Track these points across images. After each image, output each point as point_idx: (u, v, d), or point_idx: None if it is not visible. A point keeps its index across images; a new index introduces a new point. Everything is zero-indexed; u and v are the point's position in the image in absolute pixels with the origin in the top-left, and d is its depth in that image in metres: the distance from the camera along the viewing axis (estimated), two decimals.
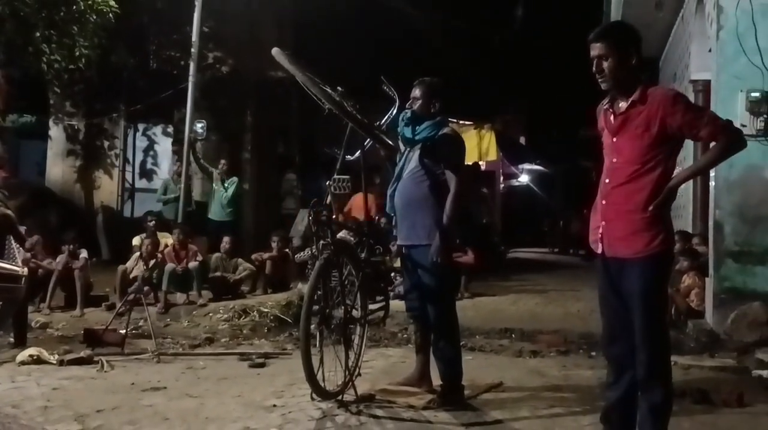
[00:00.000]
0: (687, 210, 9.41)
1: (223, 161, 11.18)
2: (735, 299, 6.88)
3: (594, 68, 3.44)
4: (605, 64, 3.40)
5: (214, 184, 10.97)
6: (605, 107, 3.54)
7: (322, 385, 4.32)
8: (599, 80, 3.46)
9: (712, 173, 7.34)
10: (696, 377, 5.45)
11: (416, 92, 4.68)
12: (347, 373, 4.52)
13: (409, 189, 4.62)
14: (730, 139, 3.32)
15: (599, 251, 3.54)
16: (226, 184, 10.86)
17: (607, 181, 3.51)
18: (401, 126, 4.67)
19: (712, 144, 3.38)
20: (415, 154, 4.63)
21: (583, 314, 8.07)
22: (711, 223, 7.43)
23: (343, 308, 4.49)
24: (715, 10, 7.29)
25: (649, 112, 3.35)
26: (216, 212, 10.89)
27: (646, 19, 10.01)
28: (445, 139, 4.60)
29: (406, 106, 4.69)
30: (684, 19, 9.86)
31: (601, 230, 3.51)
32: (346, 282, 4.59)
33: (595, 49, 3.42)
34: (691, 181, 9.16)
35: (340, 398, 4.43)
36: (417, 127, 4.61)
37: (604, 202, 3.52)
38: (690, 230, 8.90)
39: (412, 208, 4.60)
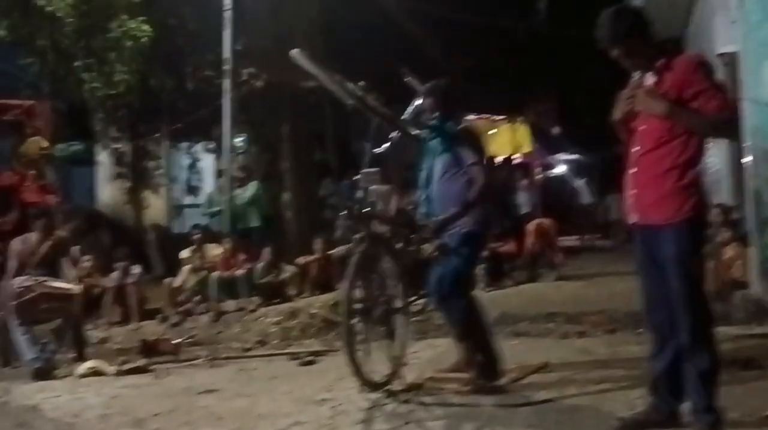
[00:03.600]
0: (724, 184, 9.32)
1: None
2: None
3: (622, 64, 3.51)
4: (630, 59, 3.47)
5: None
6: (636, 79, 3.58)
7: (369, 377, 4.39)
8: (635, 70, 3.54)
9: (747, 141, 7.31)
10: (745, 345, 5.40)
11: (426, 102, 4.77)
12: (394, 363, 4.62)
13: (443, 191, 4.68)
14: (729, 122, 3.40)
15: (633, 219, 3.56)
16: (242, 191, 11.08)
17: (637, 148, 3.52)
18: (426, 139, 4.80)
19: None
20: (442, 158, 4.71)
21: (627, 293, 8.00)
22: (750, 193, 7.38)
23: (384, 299, 4.62)
24: None
25: (673, 78, 3.38)
26: (244, 220, 11.10)
27: None
28: (460, 136, 4.69)
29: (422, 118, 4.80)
30: None
31: (633, 199, 3.53)
32: (385, 274, 4.72)
33: (611, 53, 3.47)
34: (725, 153, 9.10)
35: (388, 388, 4.49)
36: (437, 135, 4.74)
37: (635, 169, 3.53)
38: (729, 203, 8.82)
39: (450, 206, 4.62)
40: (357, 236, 4.59)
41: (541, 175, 17.24)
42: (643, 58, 3.46)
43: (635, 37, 3.43)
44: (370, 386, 4.44)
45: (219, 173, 11.96)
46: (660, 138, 3.43)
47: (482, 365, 4.57)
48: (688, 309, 3.35)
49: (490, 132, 16.58)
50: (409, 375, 4.74)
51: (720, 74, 8.84)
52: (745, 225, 7.61)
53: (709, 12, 9.42)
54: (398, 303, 4.76)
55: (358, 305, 4.46)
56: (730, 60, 8.56)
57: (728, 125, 3.44)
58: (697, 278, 3.48)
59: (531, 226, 10.26)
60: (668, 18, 11.29)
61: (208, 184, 13.96)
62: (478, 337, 4.61)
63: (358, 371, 4.31)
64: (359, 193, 4.80)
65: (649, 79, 3.49)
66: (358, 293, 4.48)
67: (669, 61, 3.43)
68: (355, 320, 4.44)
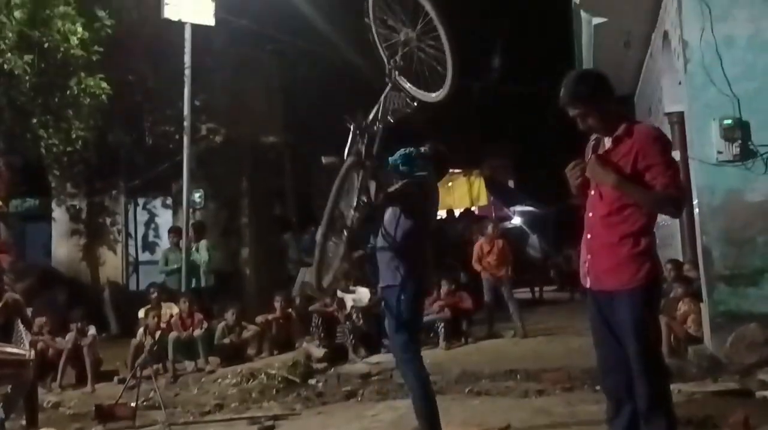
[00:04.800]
0: (675, 238, 9.58)
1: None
2: (731, 322, 6.99)
3: (580, 126, 3.58)
4: (588, 121, 3.54)
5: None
6: (593, 143, 3.68)
7: None
8: (591, 132, 3.63)
9: (695, 201, 7.56)
10: (700, 404, 5.50)
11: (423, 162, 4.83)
12: None
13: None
14: (673, 201, 3.44)
15: (588, 284, 3.61)
16: (197, 250, 11.02)
17: (590, 214, 3.59)
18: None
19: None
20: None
21: (585, 350, 8.05)
22: (699, 249, 7.59)
23: None
24: (680, 44, 7.58)
25: (630, 147, 3.45)
26: (203, 279, 10.99)
27: (616, 59, 10.35)
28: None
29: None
30: (652, 55, 10.18)
31: (587, 264, 3.59)
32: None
33: (571, 112, 3.54)
34: None
35: None
36: None
37: (589, 235, 3.60)
38: (680, 258, 9.06)
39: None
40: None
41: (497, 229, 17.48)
42: (602, 122, 3.54)
43: (597, 100, 3.52)
44: None
45: (170, 230, 11.86)
46: (612, 204, 3.50)
47: None
48: (645, 374, 3.39)
49: (447, 185, 16.89)
50: None
51: (667, 133, 9.21)
52: (698, 280, 7.81)
53: (657, 73, 9.80)
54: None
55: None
56: (678, 119, 8.91)
57: (672, 204, 3.49)
58: (653, 343, 3.56)
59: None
60: (618, 77, 11.72)
61: (165, 241, 13.83)
62: (421, 399, 4.60)
63: None
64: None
65: (607, 143, 3.57)
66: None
67: (628, 128, 3.52)
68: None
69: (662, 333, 6.80)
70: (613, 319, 3.51)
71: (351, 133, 4.64)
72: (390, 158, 4.77)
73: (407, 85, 4.84)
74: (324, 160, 4.67)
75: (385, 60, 4.92)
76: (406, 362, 4.59)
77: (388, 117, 4.77)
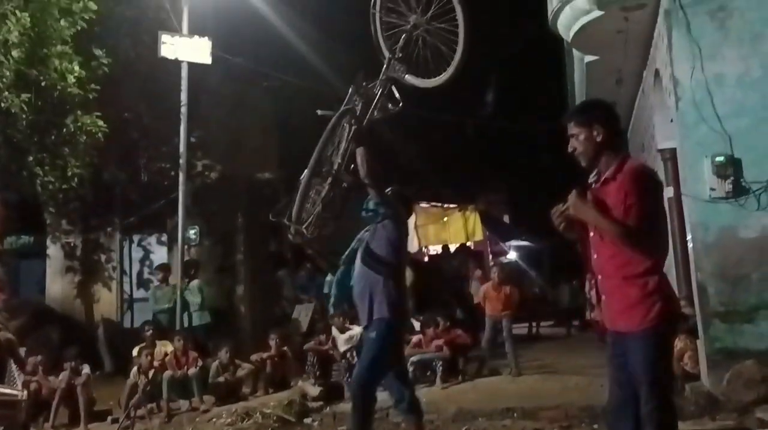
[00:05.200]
0: (670, 274, 9.56)
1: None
2: (728, 359, 6.95)
3: (569, 147, 3.63)
4: (577, 143, 3.58)
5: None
6: (591, 181, 3.67)
7: None
8: (576, 157, 3.64)
9: (689, 236, 7.60)
10: None
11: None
12: None
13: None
14: (632, 237, 3.39)
15: (606, 325, 3.67)
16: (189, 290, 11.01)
17: (595, 256, 3.59)
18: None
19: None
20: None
21: (582, 387, 8.13)
22: (694, 285, 7.60)
23: None
24: (671, 82, 7.66)
25: (619, 185, 3.46)
26: (195, 319, 10.96)
27: (609, 96, 10.41)
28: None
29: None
30: (644, 92, 10.29)
31: (604, 305, 3.65)
32: None
33: (568, 129, 3.61)
34: (670, 246, 9.39)
35: None
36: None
37: (600, 276, 3.62)
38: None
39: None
40: None
41: (493, 264, 17.51)
42: (588, 150, 3.58)
43: (598, 130, 3.55)
44: None
45: (157, 268, 11.86)
46: (615, 245, 3.49)
47: None
48: (654, 415, 3.37)
49: (442, 220, 16.96)
50: None
51: (660, 169, 9.29)
52: (694, 316, 7.81)
53: (649, 110, 9.89)
54: None
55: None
56: (671, 155, 8.98)
57: (634, 241, 3.43)
58: (665, 385, 3.51)
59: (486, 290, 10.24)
60: None
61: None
62: None
63: None
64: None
65: (601, 179, 3.59)
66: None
67: (619, 166, 3.53)
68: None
69: None
70: (626, 360, 3.51)
71: (349, 93, 4.90)
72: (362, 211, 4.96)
73: (406, 76, 5.02)
74: (319, 112, 4.87)
75: (385, 51, 5.07)
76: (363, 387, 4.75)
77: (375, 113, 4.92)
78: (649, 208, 3.46)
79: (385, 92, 5.00)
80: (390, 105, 5.07)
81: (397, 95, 5.06)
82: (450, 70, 4.85)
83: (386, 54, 5.11)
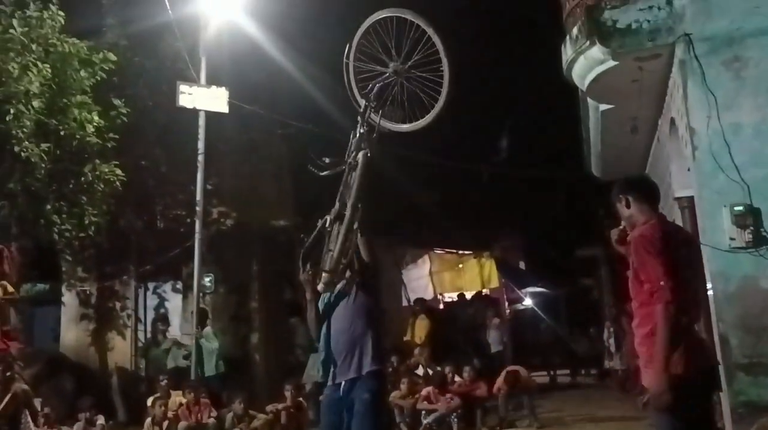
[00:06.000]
0: None
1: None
2: (753, 413, 6.76)
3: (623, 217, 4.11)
4: (619, 215, 4.06)
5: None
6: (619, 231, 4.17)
7: None
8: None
9: (709, 285, 7.49)
10: None
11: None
12: None
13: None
14: (665, 316, 3.50)
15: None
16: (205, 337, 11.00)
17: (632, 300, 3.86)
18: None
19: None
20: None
21: None
22: (716, 337, 7.46)
23: None
24: (687, 132, 7.64)
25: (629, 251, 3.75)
26: (210, 369, 10.93)
27: (623, 143, 10.44)
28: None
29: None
30: (660, 140, 10.27)
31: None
32: None
33: (628, 207, 4.06)
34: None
35: None
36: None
37: (635, 322, 3.84)
38: None
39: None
40: None
41: (509, 311, 17.40)
42: (625, 220, 4.10)
43: (622, 203, 4.07)
44: None
45: (157, 319, 11.87)
46: (634, 302, 3.68)
47: None
48: None
49: (458, 267, 16.88)
50: None
51: (678, 218, 9.22)
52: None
53: (665, 158, 9.85)
54: None
55: None
56: (688, 203, 8.89)
57: (668, 319, 3.52)
58: None
59: (503, 375, 10.01)
60: (625, 161, 11.82)
61: (175, 325, 13.76)
62: None
63: None
64: None
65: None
66: None
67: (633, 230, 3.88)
68: None
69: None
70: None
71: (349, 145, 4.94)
72: None
73: (383, 122, 5.07)
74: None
75: (357, 99, 5.10)
76: None
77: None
78: (651, 263, 3.72)
79: (368, 140, 4.97)
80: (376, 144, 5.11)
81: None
82: (430, 116, 4.91)
83: (360, 103, 5.17)
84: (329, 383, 4.69)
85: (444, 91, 4.85)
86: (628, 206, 4.05)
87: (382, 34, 5.10)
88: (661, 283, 3.53)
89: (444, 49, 4.83)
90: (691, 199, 8.61)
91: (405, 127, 5.09)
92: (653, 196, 4.09)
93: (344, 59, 5.31)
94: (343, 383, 4.62)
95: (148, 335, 13.51)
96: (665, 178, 10.18)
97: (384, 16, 5.03)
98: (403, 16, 4.94)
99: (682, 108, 7.75)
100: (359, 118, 5.07)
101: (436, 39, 4.81)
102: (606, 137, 10.52)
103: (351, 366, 4.66)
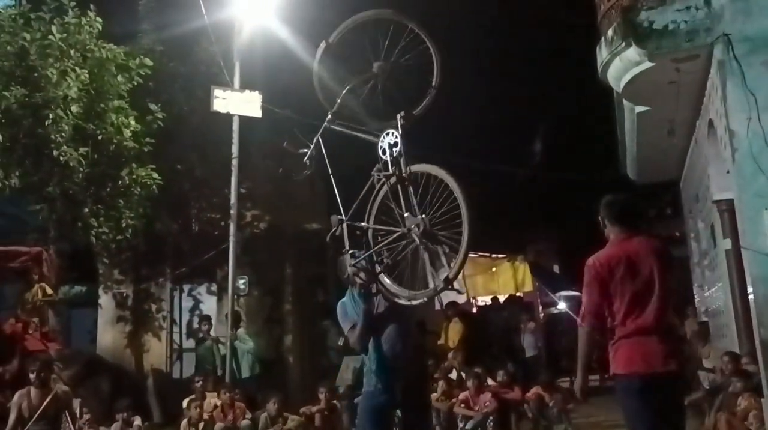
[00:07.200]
0: (730, 328, 9.27)
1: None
2: None
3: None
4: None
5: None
6: None
7: None
8: None
9: (750, 289, 7.36)
10: None
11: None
12: None
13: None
14: (580, 334, 4.31)
15: None
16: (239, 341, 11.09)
17: None
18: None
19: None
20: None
21: None
22: (757, 341, 7.33)
23: None
24: (726, 134, 7.53)
25: None
26: (245, 370, 11.02)
27: (660, 145, 10.31)
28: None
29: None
30: (698, 142, 10.12)
31: None
32: None
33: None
34: (729, 298, 9.10)
35: None
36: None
37: None
38: (737, 349, 8.73)
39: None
40: None
41: (543, 315, 17.25)
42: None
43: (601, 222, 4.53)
44: None
45: (201, 320, 12.00)
46: None
47: None
48: None
49: (491, 270, 16.78)
50: None
51: (717, 221, 9.07)
52: (758, 374, 7.52)
53: (704, 160, 9.71)
54: None
55: None
56: (727, 206, 8.77)
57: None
58: None
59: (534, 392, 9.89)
60: (663, 163, 11.67)
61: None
62: None
63: None
64: None
65: None
66: None
67: None
68: None
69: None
70: None
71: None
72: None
73: (344, 129, 5.01)
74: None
75: (327, 104, 5.04)
76: None
77: None
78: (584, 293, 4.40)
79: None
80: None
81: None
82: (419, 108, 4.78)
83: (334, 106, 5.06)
84: (378, 387, 4.61)
85: (435, 80, 4.77)
86: (604, 226, 4.48)
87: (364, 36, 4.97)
88: (582, 307, 4.26)
89: (431, 42, 4.71)
90: (730, 202, 8.49)
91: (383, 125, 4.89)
92: (624, 219, 4.38)
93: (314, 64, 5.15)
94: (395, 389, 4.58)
95: (184, 337, 13.65)
96: (703, 180, 10.04)
97: (366, 19, 4.89)
98: (383, 17, 4.79)
99: (721, 109, 7.64)
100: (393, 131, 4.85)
101: (421, 32, 4.69)
102: (642, 140, 10.40)
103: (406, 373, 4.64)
